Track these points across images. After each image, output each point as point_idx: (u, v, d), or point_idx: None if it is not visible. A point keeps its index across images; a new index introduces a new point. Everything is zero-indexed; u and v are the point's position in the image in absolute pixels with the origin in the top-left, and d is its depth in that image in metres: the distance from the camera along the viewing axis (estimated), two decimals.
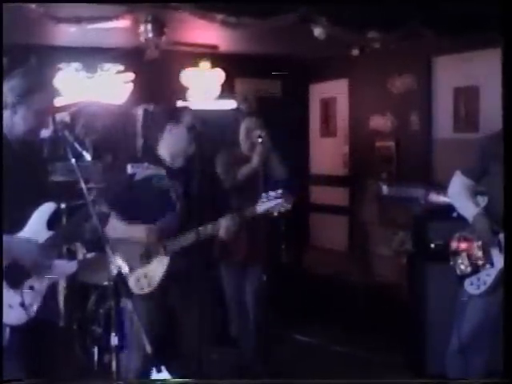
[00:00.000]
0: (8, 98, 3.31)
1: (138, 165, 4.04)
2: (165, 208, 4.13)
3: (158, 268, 4.09)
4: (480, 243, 4.09)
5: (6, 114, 3.33)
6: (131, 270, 4.09)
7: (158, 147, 4.27)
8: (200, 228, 4.01)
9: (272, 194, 4.16)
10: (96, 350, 5.43)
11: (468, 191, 4.18)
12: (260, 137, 5.24)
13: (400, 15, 5.51)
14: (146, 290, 4.09)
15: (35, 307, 3.26)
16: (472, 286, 4.10)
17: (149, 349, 2.87)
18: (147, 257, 4.11)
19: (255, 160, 5.24)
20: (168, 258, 4.08)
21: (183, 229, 4.06)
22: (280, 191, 4.15)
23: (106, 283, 5.30)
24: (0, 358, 3.13)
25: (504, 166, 3.69)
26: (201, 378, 4.09)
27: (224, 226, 4.09)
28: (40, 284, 3.30)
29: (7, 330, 3.18)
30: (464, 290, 4.14)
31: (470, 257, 4.13)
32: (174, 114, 4.28)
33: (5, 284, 3.19)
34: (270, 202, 4.14)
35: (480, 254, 4.09)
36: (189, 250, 4.04)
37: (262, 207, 4.16)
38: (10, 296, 3.20)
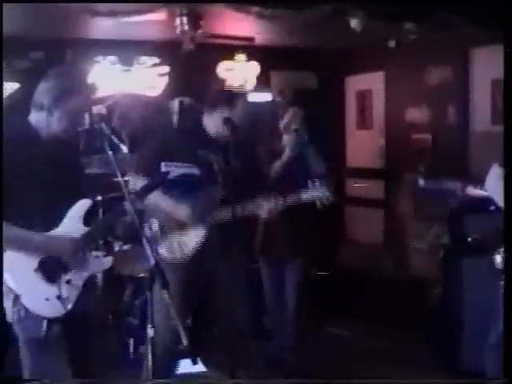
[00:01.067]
0: (45, 99, 3.28)
1: (171, 163, 4.06)
2: (207, 181, 4.13)
3: (193, 238, 4.09)
4: None
5: (42, 115, 3.30)
6: (165, 236, 4.09)
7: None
8: (240, 204, 4.01)
9: (317, 182, 4.15)
10: (132, 341, 5.47)
11: None
12: (296, 130, 5.23)
13: (436, 6, 5.45)
14: (178, 257, 4.08)
15: (72, 300, 3.27)
16: None
17: (185, 340, 2.87)
18: (184, 225, 4.10)
19: (286, 154, 5.22)
20: (205, 230, 4.08)
21: (224, 203, 4.06)
22: (323, 181, 4.16)
23: (141, 275, 5.34)
24: (0, 355, 3.15)
25: (504, 165, 3.65)
26: (235, 371, 4.11)
27: (266, 206, 4.10)
28: (77, 278, 3.32)
29: (44, 323, 3.20)
30: None
31: None
32: (211, 107, 4.28)
33: (41, 278, 3.21)
34: (315, 191, 4.14)
35: None
36: (227, 226, 4.03)
37: (306, 194, 4.16)
38: (47, 289, 3.22)
